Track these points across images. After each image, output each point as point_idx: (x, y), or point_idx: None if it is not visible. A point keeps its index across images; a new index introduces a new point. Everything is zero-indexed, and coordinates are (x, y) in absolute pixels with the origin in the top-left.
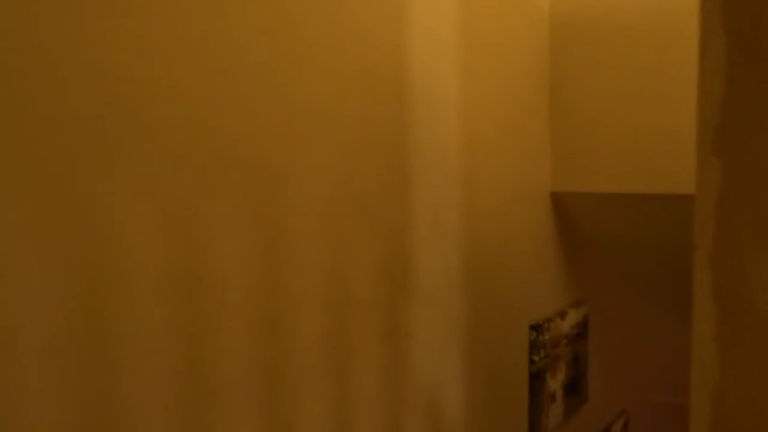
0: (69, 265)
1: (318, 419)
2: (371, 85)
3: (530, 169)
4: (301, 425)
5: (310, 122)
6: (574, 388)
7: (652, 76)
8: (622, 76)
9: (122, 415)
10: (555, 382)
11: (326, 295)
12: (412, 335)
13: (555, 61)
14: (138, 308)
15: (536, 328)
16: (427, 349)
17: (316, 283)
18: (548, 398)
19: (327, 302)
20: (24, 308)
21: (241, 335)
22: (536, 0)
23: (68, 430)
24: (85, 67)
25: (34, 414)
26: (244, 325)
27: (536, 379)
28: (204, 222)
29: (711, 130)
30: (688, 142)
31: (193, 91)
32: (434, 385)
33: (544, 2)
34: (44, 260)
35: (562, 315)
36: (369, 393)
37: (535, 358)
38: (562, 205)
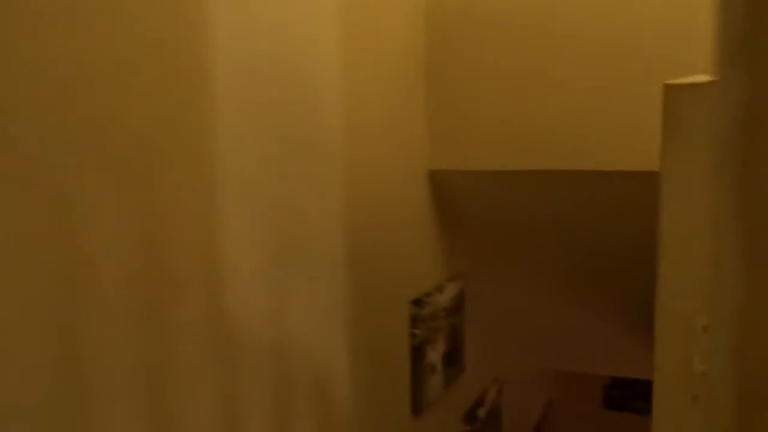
0: None
1: (203, 405)
2: (253, 64)
3: (409, 148)
4: (186, 412)
5: (196, 102)
6: (453, 359)
7: (526, 56)
8: (497, 56)
9: None
10: (435, 354)
11: (209, 278)
12: (298, 315)
13: (431, 41)
14: None
15: (416, 302)
16: (312, 328)
17: (198, 267)
18: (429, 370)
19: (210, 286)
20: None
21: (118, 324)
22: None
23: None
24: None
25: None
26: (122, 313)
27: (417, 352)
28: (76, 204)
29: (736, 42)
30: (559, 119)
31: (65, 66)
32: (320, 364)
33: None
34: None
35: (441, 289)
36: (255, 375)
37: (416, 331)
38: (439, 183)
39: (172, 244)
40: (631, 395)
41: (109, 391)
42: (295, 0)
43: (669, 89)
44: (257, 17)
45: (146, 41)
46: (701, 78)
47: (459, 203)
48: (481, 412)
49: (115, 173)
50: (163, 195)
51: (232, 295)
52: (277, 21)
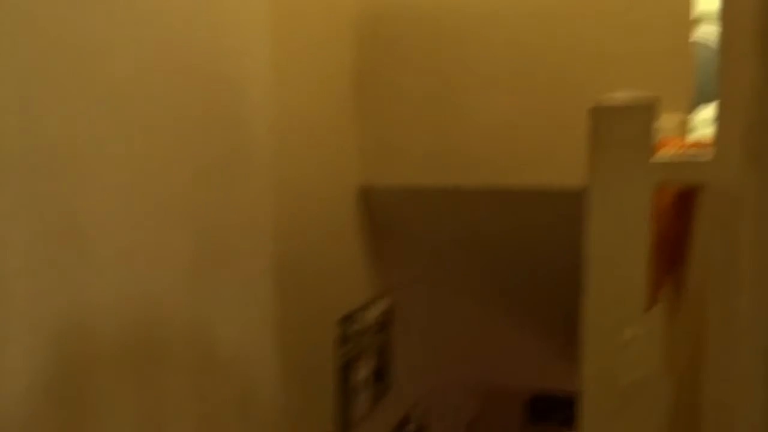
0: None
1: (122, 423)
2: (178, 74)
3: (339, 162)
4: (105, 429)
5: (114, 109)
6: (381, 377)
7: (457, 73)
8: (428, 72)
9: None
10: (363, 372)
11: (130, 294)
12: (224, 332)
13: (363, 56)
14: None
15: (345, 319)
16: (238, 346)
17: (118, 282)
18: (356, 388)
19: (131, 302)
20: None
21: (31, 342)
22: None
23: None
24: None
25: None
26: (34, 331)
27: (345, 369)
28: None
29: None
30: (489, 137)
31: None
32: (246, 381)
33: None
34: None
35: (369, 306)
36: (178, 392)
37: (344, 349)
38: (370, 199)
39: (89, 256)
40: (555, 409)
41: (20, 409)
42: (224, 11)
43: (596, 109)
44: (183, 27)
45: (62, 47)
46: (626, 99)
47: (389, 219)
48: (409, 429)
49: (28, 180)
50: (83, 205)
51: (154, 309)
52: (205, 32)
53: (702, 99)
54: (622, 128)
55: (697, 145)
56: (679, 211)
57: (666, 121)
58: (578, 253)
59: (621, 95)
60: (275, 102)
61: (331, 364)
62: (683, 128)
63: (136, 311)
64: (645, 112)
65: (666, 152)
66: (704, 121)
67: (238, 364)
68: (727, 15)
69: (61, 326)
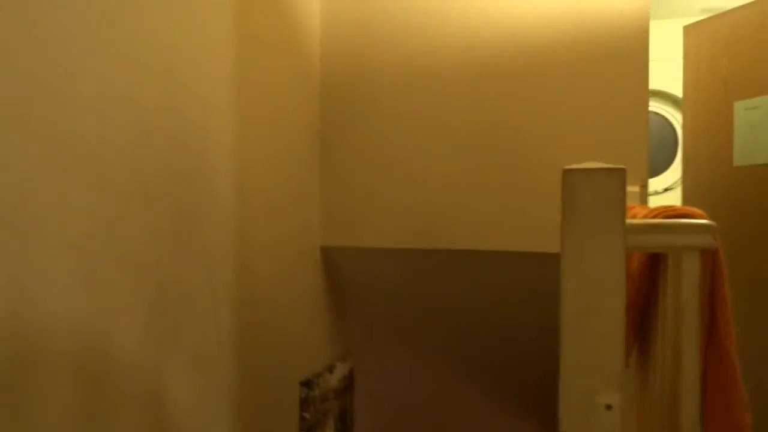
0: None
1: None
2: (140, 128)
3: (301, 222)
4: None
5: (65, 158)
6: None
7: (419, 136)
8: (391, 134)
9: None
10: None
11: (80, 357)
12: (180, 396)
13: (325, 116)
14: None
15: (306, 384)
16: (195, 411)
17: (67, 346)
18: None
19: (81, 367)
20: None
21: None
22: (308, 55)
23: None
24: None
25: None
26: None
27: None
28: None
29: None
30: (451, 199)
31: None
32: None
33: (315, 57)
34: None
35: (331, 369)
36: None
37: (306, 414)
38: (331, 259)
39: (38, 322)
40: None
41: None
42: (191, 70)
43: (567, 173)
44: (148, 84)
45: (23, 97)
46: (598, 164)
47: (351, 280)
48: None
49: None
50: (32, 261)
51: (107, 377)
52: (168, 87)
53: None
54: (594, 193)
55: (666, 211)
56: (646, 275)
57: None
58: (547, 317)
59: (591, 162)
60: (238, 163)
61: (292, 430)
62: (642, 197)
63: (86, 370)
64: (617, 178)
65: (635, 217)
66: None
67: (194, 430)
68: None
69: (13, 387)
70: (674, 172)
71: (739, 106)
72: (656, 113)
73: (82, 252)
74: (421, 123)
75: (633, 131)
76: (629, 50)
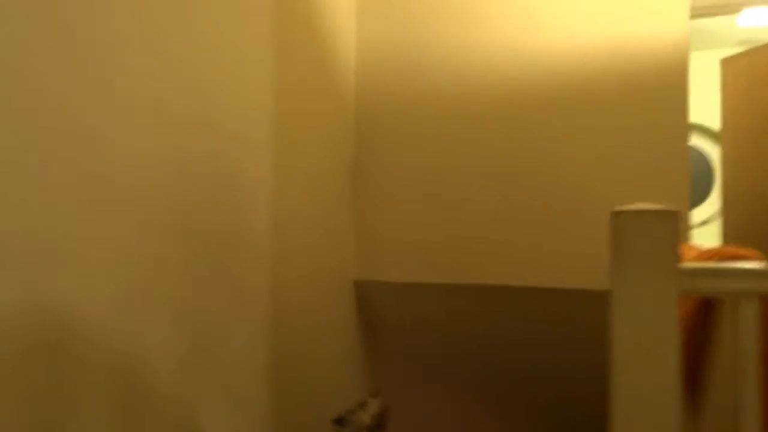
0: None
1: None
2: (184, 170)
3: (334, 257)
4: None
5: (108, 197)
6: None
7: (454, 168)
8: (425, 167)
9: None
10: None
11: (118, 390)
12: None
13: (359, 150)
14: None
15: (339, 421)
16: None
17: (106, 382)
18: None
19: (119, 400)
20: None
21: None
22: (343, 89)
23: None
24: None
25: None
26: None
27: None
28: None
29: None
30: (486, 234)
31: None
32: None
33: (350, 91)
34: None
35: (363, 406)
36: None
37: None
38: (364, 294)
39: (80, 356)
40: None
41: None
42: (228, 104)
43: (616, 215)
44: (186, 119)
45: (62, 132)
46: (648, 206)
47: (384, 316)
48: None
49: (18, 269)
50: (74, 295)
51: (143, 402)
52: (211, 129)
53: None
54: (646, 235)
55: (719, 253)
56: (700, 319)
57: None
58: (586, 357)
59: (641, 204)
60: (274, 201)
61: None
62: (684, 233)
63: (123, 403)
64: (670, 219)
65: (687, 259)
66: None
67: None
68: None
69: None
70: (711, 205)
71: None
72: (690, 146)
73: (120, 286)
74: (456, 156)
75: (673, 166)
76: (668, 83)
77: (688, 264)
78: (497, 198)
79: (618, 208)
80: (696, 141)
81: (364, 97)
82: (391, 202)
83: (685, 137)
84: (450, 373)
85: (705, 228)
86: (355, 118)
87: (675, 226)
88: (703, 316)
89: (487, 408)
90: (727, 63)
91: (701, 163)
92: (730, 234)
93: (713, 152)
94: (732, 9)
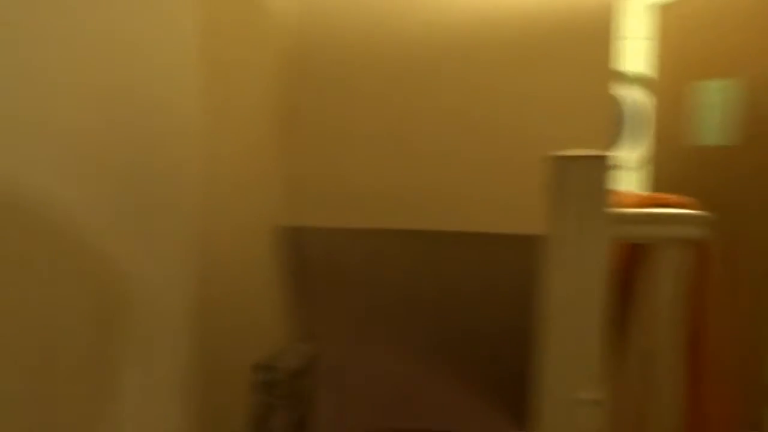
0: None
1: None
2: (102, 100)
3: (264, 202)
4: None
5: (24, 139)
6: (302, 426)
7: (395, 113)
8: (355, 112)
9: None
10: (282, 421)
11: (25, 353)
12: (131, 388)
13: (293, 94)
14: None
15: (264, 367)
16: (145, 404)
17: (12, 342)
18: None
19: (26, 363)
20: None
21: None
22: (277, 30)
23: None
24: None
25: None
26: None
27: (263, 419)
28: None
29: None
30: (424, 178)
31: None
32: None
33: (285, 34)
34: None
35: (291, 352)
36: None
37: (264, 398)
38: (295, 240)
39: None
40: None
41: None
42: (152, 42)
43: (552, 160)
44: (105, 48)
45: None
46: (583, 151)
47: (315, 263)
48: None
49: None
50: None
51: (52, 372)
52: (129, 53)
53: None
54: (580, 180)
55: (655, 200)
56: (632, 264)
57: None
58: (524, 306)
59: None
60: (204, 144)
61: (247, 414)
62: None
63: (31, 357)
64: (602, 165)
65: (623, 205)
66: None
67: (146, 423)
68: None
69: None
70: (639, 151)
71: (700, 86)
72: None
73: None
74: (388, 102)
75: (597, 113)
76: (593, 28)
77: (618, 210)
78: (428, 143)
79: (553, 153)
80: (629, 88)
81: (302, 40)
82: (321, 147)
83: (607, 83)
84: (386, 321)
85: (635, 174)
86: (292, 61)
87: (607, 171)
88: (636, 261)
89: (422, 356)
90: (658, 10)
91: (633, 110)
92: (661, 181)
93: (647, 100)
94: None
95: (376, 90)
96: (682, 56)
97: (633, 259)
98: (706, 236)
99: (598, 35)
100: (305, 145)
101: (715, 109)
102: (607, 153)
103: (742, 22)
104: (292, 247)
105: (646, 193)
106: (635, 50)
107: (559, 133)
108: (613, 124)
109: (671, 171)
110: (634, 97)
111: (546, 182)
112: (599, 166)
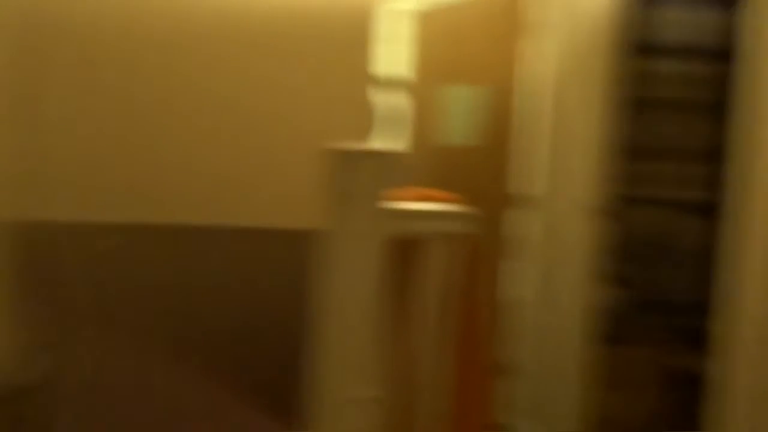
0: None
1: None
2: None
3: None
4: None
5: None
6: None
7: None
8: (94, 98)
9: None
10: None
11: None
12: None
13: (29, 78)
14: None
15: None
16: None
17: None
18: None
19: None
20: None
21: None
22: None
23: None
24: None
25: None
26: None
27: None
28: None
29: None
30: (165, 172)
31: None
32: None
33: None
34: None
35: (20, 363)
36: None
37: None
38: (31, 237)
39: None
40: None
41: None
42: None
43: (328, 153)
44: None
45: None
46: (362, 146)
47: (54, 261)
48: None
49: None
50: None
51: None
52: None
53: None
54: (356, 175)
55: (421, 195)
56: (402, 261)
57: None
58: (286, 299)
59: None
60: None
61: None
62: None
63: None
64: (378, 160)
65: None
66: None
67: None
68: None
69: None
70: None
71: (448, 90)
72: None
73: None
74: (136, 90)
75: (358, 110)
76: (353, 28)
77: (392, 205)
78: (182, 134)
79: (330, 146)
80: (387, 90)
81: (34, 20)
82: (56, 136)
83: (365, 83)
84: (128, 323)
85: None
86: (23, 45)
87: (383, 166)
88: (409, 257)
89: (174, 358)
90: (424, 17)
91: (390, 110)
92: (417, 177)
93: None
94: None
95: (121, 77)
96: (436, 61)
97: (407, 255)
98: (471, 231)
99: (357, 37)
100: (42, 135)
101: (460, 112)
102: (388, 149)
103: (488, 33)
104: (30, 245)
105: (413, 189)
106: (395, 54)
107: (318, 127)
108: (372, 122)
109: (426, 168)
110: (392, 98)
111: (322, 176)
112: (373, 160)
